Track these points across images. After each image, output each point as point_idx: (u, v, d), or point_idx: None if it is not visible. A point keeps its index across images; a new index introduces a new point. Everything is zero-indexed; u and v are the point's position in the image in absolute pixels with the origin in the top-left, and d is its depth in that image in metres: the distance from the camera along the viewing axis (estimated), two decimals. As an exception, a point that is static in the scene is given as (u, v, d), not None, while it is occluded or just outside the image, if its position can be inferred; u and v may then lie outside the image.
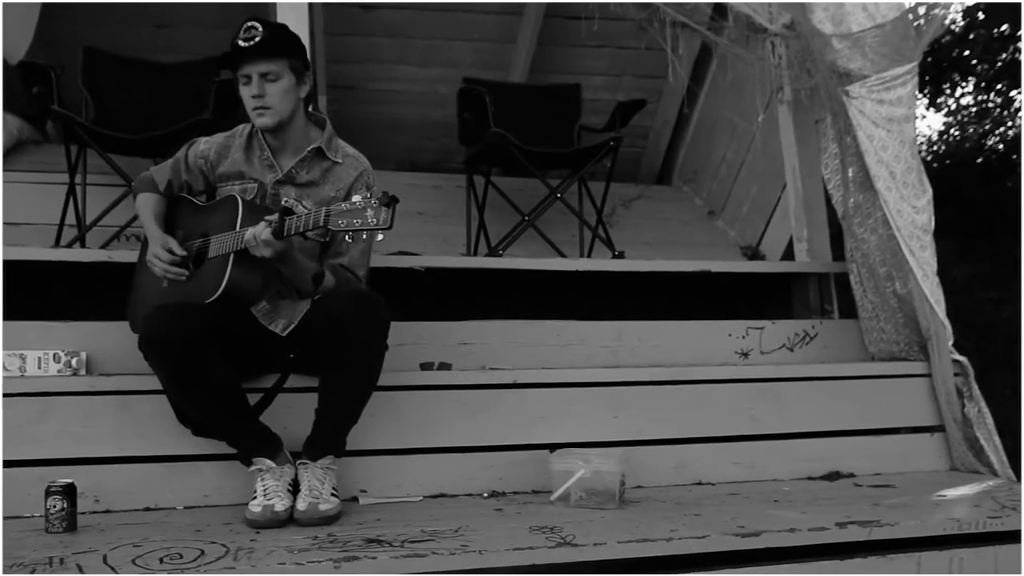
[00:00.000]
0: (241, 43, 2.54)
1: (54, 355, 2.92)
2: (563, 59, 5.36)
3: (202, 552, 2.15)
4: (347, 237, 2.30)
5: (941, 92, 7.49)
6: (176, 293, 2.64)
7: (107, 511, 2.60)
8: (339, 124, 4.75)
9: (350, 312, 2.47)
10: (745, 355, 3.70)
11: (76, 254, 3.29)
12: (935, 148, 7.80)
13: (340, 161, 2.76)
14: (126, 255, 3.13)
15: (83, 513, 2.50)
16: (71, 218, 3.72)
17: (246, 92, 2.61)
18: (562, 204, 4.23)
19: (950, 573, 2.49)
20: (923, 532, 2.51)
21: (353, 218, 2.24)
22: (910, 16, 3.66)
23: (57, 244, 3.63)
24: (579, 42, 5.20)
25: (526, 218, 4.15)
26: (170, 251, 2.65)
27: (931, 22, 3.84)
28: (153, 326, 2.43)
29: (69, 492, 2.37)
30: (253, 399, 2.65)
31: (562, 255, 4.12)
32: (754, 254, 4.76)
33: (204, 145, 2.82)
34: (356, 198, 2.25)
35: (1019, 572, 2.52)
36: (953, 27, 6.71)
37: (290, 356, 2.68)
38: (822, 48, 3.62)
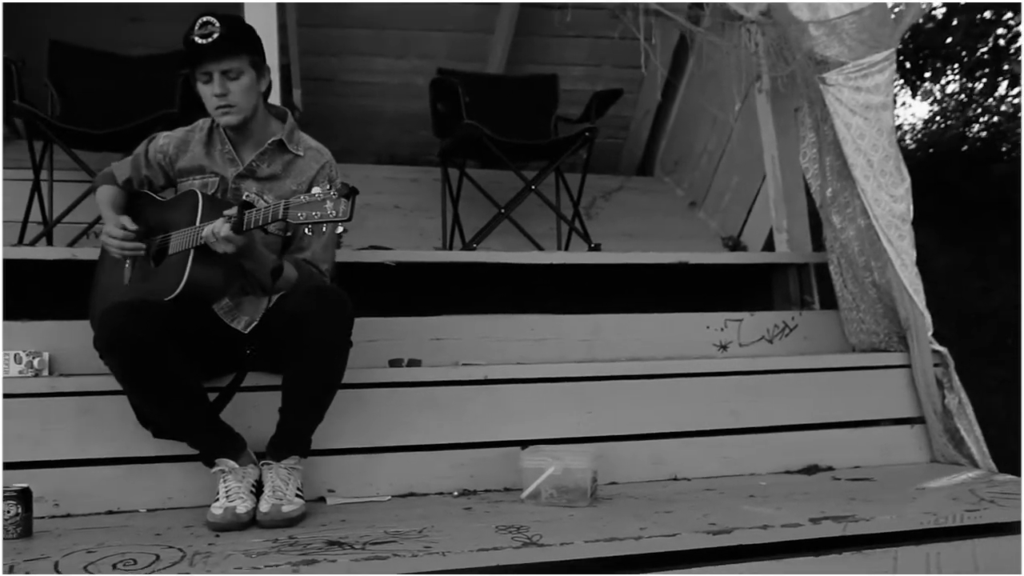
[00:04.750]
0: (198, 40, 2.48)
1: (15, 356, 2.87)
2: (541, 49, 5.29)
3: (157, 557, 2.09)
4: (307, 230, 2.26)
5: (923, 79, 7.45)
6: (136, 291, 2.58)
7: (67, 515, 2.54)
8: (315, 117, 4.78)
9: (311, 308, 2.43)
10: (724, 347, 3.65)
11: (39, 252, 3.23)
12: (918, 136, 7.75)
13: (301, 154, 2.71)
14: (91, 252, 3.04)
15: (42, 518, 2.44)
16: (37, 215, 3.66)
17: (207, 90, 2.56)
18: (539, 196, 4.17)
19: (927, 568, 2.44)
20: (899, 527, 2.46)
21: (312, 210, 2.20)
22: (888, 2, 3.61)
23: (20, 242, 3.56)
24: (557, 32, 5.11)
25: (502, 211, 4.11)
26: (123, 227, 2.59)
27: (909, 8, 3.79)
28: (109, 323, 2.37)
29: (24, 497, 2.31)
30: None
31: (539, 248, 4.08)
32: (735, 245, 4.71)
33: (164, 140, 2.77)
34: (315, 190, 2.21)
35: (1018, 570, 2.48)
36: (934, 13, 6.67)
37: (247, 352, 2.62)
38: (799, 35, 3.56)
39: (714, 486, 2.91)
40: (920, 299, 3.35)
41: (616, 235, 4.60)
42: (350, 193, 2.17)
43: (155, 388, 2.40)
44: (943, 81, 7.67)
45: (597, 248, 4.05)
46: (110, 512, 2.58)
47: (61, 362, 2.94)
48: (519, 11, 5.04)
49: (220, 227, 2.34)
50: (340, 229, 2.21)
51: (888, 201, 3.41)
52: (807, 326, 3.76)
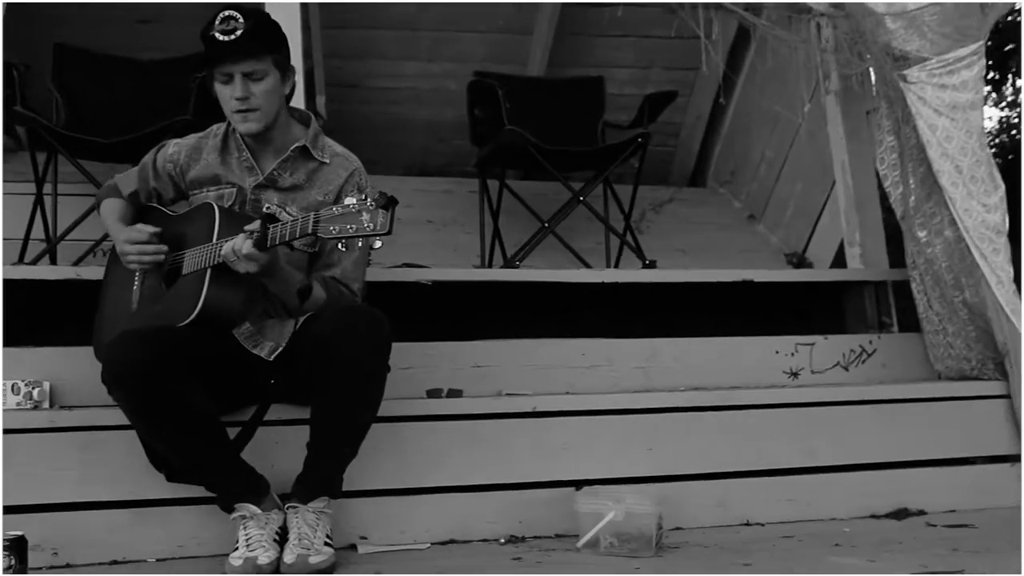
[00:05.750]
0: (219, 36, 2.37)
1: (12, 386, 2.74)
2: (584, 51, 5.18)
3: (168, 618, 1.95)
4: (340, 245, 2.15)
5: (1005, 80, 7.23)
6: (146, 315, 2.48)
7: (67, 566, 2.42)
8: (340, 125, 4.68)
9: (343, 329, 2.31)
10: (795, 375, 3.52)
11: (42, 271, 3.12)
12: (999, 140, 7.53)
13: (327, 161, 2.59)
14: (97, 272, 2.94)
15: (39, 569, 2.34)
16: (39, 232, 3.58)
17: (226, 92, 2.45)
18: (585, 209, 4.08)
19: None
20: (1018, 585, 2.26)
21: (346, 223, 2.06)
22: (974, -9, 3.46)
23: (21, 260, 3.47)
24: (601, 31, 5.05)
25: (546, 225, 4.01)
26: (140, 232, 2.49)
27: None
28: (118, 353, 2.27)
29: (18, 547, 2.18)
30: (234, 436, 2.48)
31: (587, 265, 3.98)
32: (800, 261, 4.61)
33: (174, 148, 2.66)
34: (349, 200, 2.08)
35: None
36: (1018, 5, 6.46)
37: (271, 382, 2.51)
38: (874, 28, 3.47)
39: (792, 532, 2.75)
40: (1020, 320, 3.18)
41: (668, 251, 4.48)
42: (389, 203, 2.04)
43: (169, 425, 2.29)
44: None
45: (652, 265, 3.93)
46: (115, 562, 2.45)
47: (63, 393, 2.83)
48: (560, 9, 4.93)
49: (241, 244, 2.22)
50: (377, 244, 2.06)
51: (980, 211, 3.28)
52: (886, 351, 3.62)
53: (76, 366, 2.76)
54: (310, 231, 2.12)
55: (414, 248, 3.94)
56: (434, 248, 4.25)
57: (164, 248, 2.48)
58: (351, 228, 2.05)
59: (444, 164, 5.23)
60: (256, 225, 2.23)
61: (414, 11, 4.90)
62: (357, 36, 4.98)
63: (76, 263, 3.39)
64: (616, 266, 4.18)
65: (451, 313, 3.45)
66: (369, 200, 2.05)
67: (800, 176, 4.70)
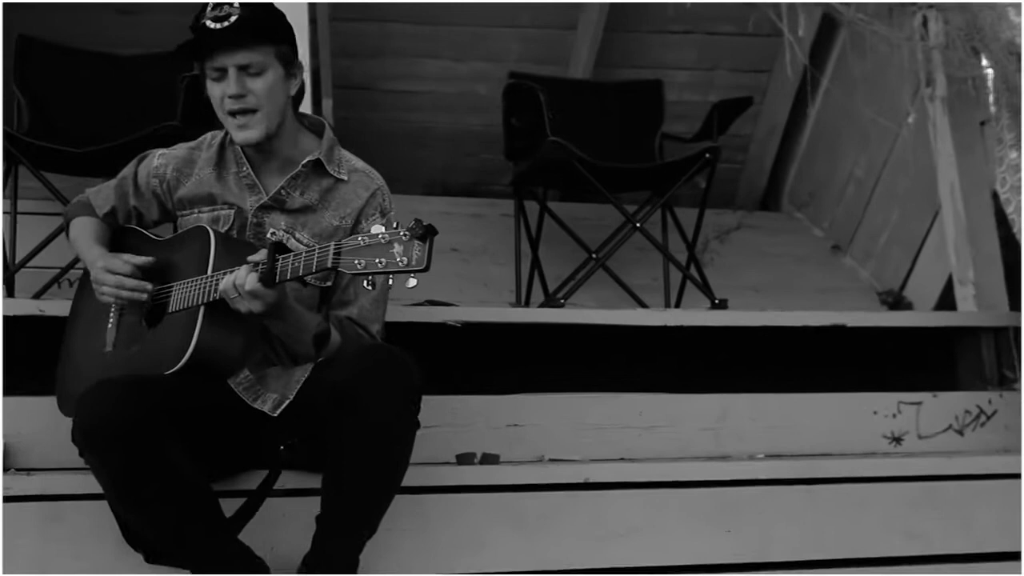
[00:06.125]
0: (210, 24, 2.36)
1: (-41, 445, 2.72)
2: (638, 50, 5.20)
3: None
4: (366, 283, 2.09)
5: None
6: (123, 360, 2.43)
7: (25, 662, 2.38)
8: (351, 135, 4.63)
9: (360, 374, 2.26)
10: (897, 440, 3.46)
11: (-5, 305, 3.10)
12: None
13: (345, 178, 2.56)
14: (62, 307, 2.90)
15: (-10, 668, 2.28)
16: None
17: (218, 91, 2.44)
18: (642, 237, 4.06)
19: None
20: None
21: (375, 256, 2.03)
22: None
23: (-28, 291, 3.51)
24: (658, 27, 5.07)
25: (594, 256, 4.00)
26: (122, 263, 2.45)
27: None
28: (92, 409, 2.20)
29: (-36, 645, 2.09)
30: (230, 508, 2.40)
31: (643, 305, 3.95)
32: (897, 302, 4.59)
33: (160, 160, 2.63)
34: (377, 229, 2.05)
35: None
36: None
37: (281, 448, 2.45)
38: (995, 22, 3.51)
39: (901, 637, 2.67)
40: None
41: (737, 288, 4.48)
42: (427, 234, 2.00)
43: (152, 496, 2.22)
44: None
45: (723, 305, 3.90)
46: (81, 658, 2.41)
47: (20, 452, 2.79)
48: (610, 2, 4.95)
49: (244, 278, 2.18)
50: (412, 282, 2.04)
51: (1124, 244, 3.21)
52: (1010, 412, 3.56)
53: (37, 420, 2.74)
54: (329, 265, 2.08)
55: (437, 282, 3.86)
56: (461, 282, 4.29)
57: (148, 286, 2.44)
58: (380, 263, 2.02)
59: (469, 182, 5.29)
60: (262, 255, 2.19)
61: (438, 3, 4.93)
62: (371, 30, 5.02)
63: (37, 295, 3.40)
64: (678, 306, 4.16)
65: (483, 361, 3.44)
66: (402, 229, 2.01)
67: (897, 199, 4.70)
